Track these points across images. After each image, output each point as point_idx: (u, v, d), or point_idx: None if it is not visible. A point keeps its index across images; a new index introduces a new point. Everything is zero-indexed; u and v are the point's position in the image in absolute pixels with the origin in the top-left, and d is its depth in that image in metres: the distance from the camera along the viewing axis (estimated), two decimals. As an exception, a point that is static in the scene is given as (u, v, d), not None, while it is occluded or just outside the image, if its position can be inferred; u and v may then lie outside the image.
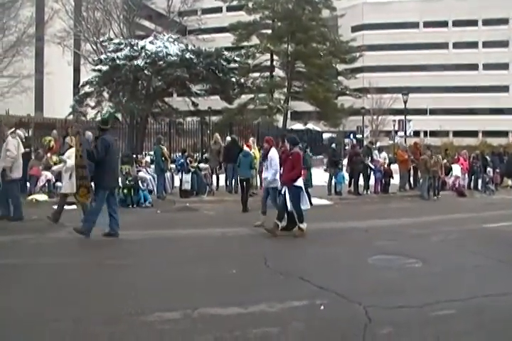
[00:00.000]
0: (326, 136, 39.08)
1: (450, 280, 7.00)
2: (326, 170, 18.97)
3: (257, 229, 11.03)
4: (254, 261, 7.91)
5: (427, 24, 77.35)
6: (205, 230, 10.94)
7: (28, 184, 15.70)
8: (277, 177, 11.07)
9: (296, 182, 10.40)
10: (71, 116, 27.28)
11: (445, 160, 22.09)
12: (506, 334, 5.05)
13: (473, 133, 66.94)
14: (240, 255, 8.58)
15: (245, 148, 16.10)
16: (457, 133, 67.69)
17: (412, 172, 21.10)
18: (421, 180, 19.84)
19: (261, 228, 10.88)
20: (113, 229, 9.81)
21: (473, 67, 75.19)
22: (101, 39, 32.40)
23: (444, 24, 76.96)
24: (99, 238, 9.67)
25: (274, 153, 11.34)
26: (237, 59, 27.88)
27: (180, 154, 18.48)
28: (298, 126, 41.05)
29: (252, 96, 38.58)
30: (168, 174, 16.96)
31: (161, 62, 24.19)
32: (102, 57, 26.49)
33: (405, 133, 34.62)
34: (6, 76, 29.12)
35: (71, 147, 12.07)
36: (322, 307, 5.66)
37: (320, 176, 19.23)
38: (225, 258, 8.26)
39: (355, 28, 72.98)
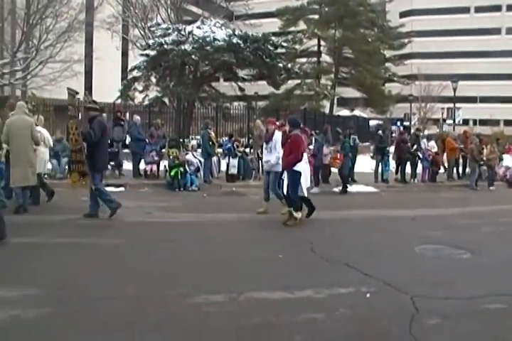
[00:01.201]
0: (372, 122, 38.69)
1: (500, 273, 6.84)
2: (372, 158, 18.76)
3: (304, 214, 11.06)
4: (300, 247, 7.92)
5: (478, 9, 75.34)
6: (250, 215, 10.97)
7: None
8: (280, 161, 10.60)
9: (295, 167, 9.84)
10: (119, 100, 27.63)
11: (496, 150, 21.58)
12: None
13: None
14: (285, 240, 8.59)
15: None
16: (508, 122, 66.06)
17: (461, 161, 20.72)
18: (469, 170, 19.48)
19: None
20: (94, 209, 9.98)
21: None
22: (149, 24, 32.62)
23: (497, 8, 74.76)
24: (144, 220, 9.84)
25: (278, 136, 10.78)
26: (284, 44, 27.72)
27: (227, 138, 18.52)
28: (344, 112, 40.80)
29: (298, 81, 38.45)
30: (215, 158, 17.02)
31: (208, 47, 24.20)
32: (150, 42, 26.69)
33: (454, 121, 33.95)
34: (58, 61, 29.69)
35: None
36: (368, 295, 5.62)
37: (366, 163, 19.06)
38: (270, 242, 8.29)
39: (403, 14, 71.67)
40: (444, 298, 5.59)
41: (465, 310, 5.28)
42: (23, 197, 10.22)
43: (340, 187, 15.66)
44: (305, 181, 10.17)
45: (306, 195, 10.21)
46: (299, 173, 9.85)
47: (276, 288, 5.75)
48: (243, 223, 10.13)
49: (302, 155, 9.96)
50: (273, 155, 10.74)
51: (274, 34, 30.61)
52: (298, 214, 9.85)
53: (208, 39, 24.44)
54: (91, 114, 10.04)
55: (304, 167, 10.05)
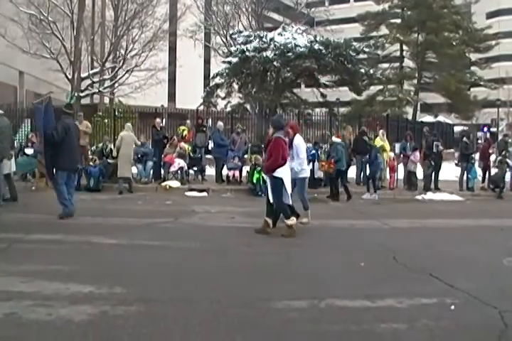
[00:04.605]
0: (457, 129, 37.71)
1: None
2: (457, 165, 18.27)
3: (387, 221, 10.94)
4: (382, 255, 7.82)
5: None
6: (333, 221, 10.96)
7: (162, 170, 16.64)
8: (305, 166, 10.23)
9: (275, 173, 9.17)
10: (202, 107, 28.21)
11: None
12: None
13: None
14: (367, 247, 8.47)
15: (336, 139, 15.76)
16: None
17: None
18: None
19: (389, 220, 10.77)
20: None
21: None
22: (230, 32, 33.09)
23: None
24: (226, 224, 10.00)
25: (299, 141, 10.17)
26: (366, 49, 27.42)
27: (311, 145, 18.49)
28: (428, 118, 39.97)
29: (381, 87, 38.02)
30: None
31: (289, 54, 24.30)
32: (232, 49, 27.10)
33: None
34: (143, 69, 30.67)
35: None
36: (453, 307, 5.44)
37: (451, 171, 18.60)
38: (352, 250, 8.23)
39: (490, 14, 69.21)
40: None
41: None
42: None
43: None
44: (289, 187, 9.42)
45: (290, 202, 9.53)
46: (281, 179, 9.17)
47: (358, 296, 5.70)
48: (326, 230, 10.12)
49: (283, 160, 9.24)
50: (296, 162, 10.06)
51: (356, 39, 30.36)
52: (291, 221, 9.22)
53: (289, 45, 24.54)
54: (63, 117, 10.59)
55: (286, 172, 9.33)
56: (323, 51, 24.71)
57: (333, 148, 14.90)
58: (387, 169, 17.30)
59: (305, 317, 5.03)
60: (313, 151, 17.03)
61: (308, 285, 6.15)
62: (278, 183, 9.19)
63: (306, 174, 10.47)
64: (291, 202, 9.57)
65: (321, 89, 28.48)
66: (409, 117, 38.81)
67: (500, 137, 23.17)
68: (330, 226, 10.47)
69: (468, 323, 5.05)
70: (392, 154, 17.68)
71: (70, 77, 27.48)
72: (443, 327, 4.93)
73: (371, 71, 27.68)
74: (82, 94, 27.95)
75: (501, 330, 4.81)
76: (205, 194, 15.11)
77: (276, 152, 9.19)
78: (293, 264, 7.20)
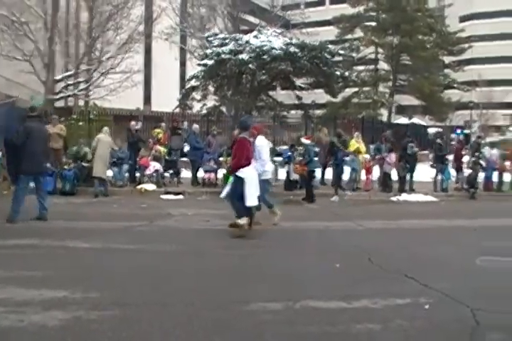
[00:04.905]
0: (431, 130, 38.07)
1: None
2: (432, 166, 18.48)
3: (362, 223, 10.99)
4: (357, 256, 7.86)
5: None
6: (308, 223, 10.98)
7: (137, 173, 16.56)
8: (267, 168, 10.19)
9: (239, 172, 9.23)
10: (177, 109, 28.10)
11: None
12: None
13: None
14: (342, 249, 8.50)
15: (305, 140, 15.78)
16: None
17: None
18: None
19: (364, 222, 10.83)
20: (41, 213, 10.28)
21: None
22: (206, 34, 33.04)
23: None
24: (201, 227, 9.98)
25: (261, 142, 10.10)
26: (341, 52, 27.56)
27: (287, 147, 18.57)
28: (403, 120, 40.32)
29: (356, 89, 38.26)
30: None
31: (265, 56, 24.29)
32: (208, 51, 26.99)
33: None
34: (118, 72, 30.43)
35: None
36: (427, 307, 5.51)
37: (426, 172, 18.80)
38: (327, 251, 8.27)
39: (463, 18, 70.25)
40: (507, 311, 5.42)
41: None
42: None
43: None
44: (255, 188, 9.38)
45: (256, 203, 9.51)
46: (242, 179, 9.18)
47: (333, 298, 5.73)
48: (301, 232, 10.13)
49: (247, 160, 9.28)
50: (258, 163, 9.92)
51: (331, 42, 30.50)
52: (242, 221, 9.16)
53: (265, 48, 24.54)
54: (27, 120, 10.47)
55: (251, 173, 9.35)
56: (299, 54, 24.75)
57: (304, 149, 14.95)
58: (363, 171, 17.42)
59: (280, 319, 5.04)
60: (289, 153, 17.09)
61: (284, 287, 6.15)
62: (238, 183, 9.22)
63: (268, 176, 10.39)
64: (257, 203, 9.55)
65: (297, 92, 28.51)
66: (384, 119, 39.14)
67: (473, 139, 23.44)
68: (305, 228, 10.49)
69: (442, 322, 5.11)
70: (367, 156, 17.80)
71: (44, 79, 27.16)
72: (417, 326, 4.98)
73: (346, 73, 27.76)
74: (56, 97, 27.64)
75: (473, 328, 4.91)
76: (180, 197, 15.06)
77: (240, 152, 9.31)
78: (268, 266, 7.20)
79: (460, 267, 7.46)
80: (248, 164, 9.27)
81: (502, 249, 8.66)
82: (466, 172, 18.42)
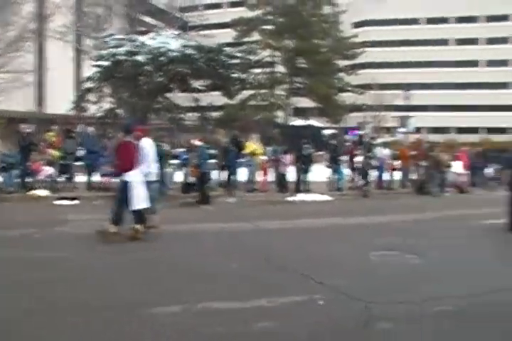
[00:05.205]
0: (327, 132, 39.05)
1: (450, 276, 7.01)
2: (327, 166, 18.96)
3: (258, 223, 11.09)
4: (255, 256, 7.94)
5: (429, 20, 77.14)
6: (203, 225, 10.95)
7: (29, 179, 15.84)
8: (152, 170, 9.99)
9: (123, 176, 9.09)
10: (72, 112, 27.28)
11: (446, 157, 22.03)
12: (505, 329, 5.06)
13: (475, 130, 66.68)
14: (239, 250, 8.53)
15: (197, 142, 15.77)
16: (459, 130, 67.57)
17: (414, 168, 21.08)
18: (423, 177, 19.85)
19: (261, 222, 10.94)
20: None
21: (474, 63, 74.99)
22: (102, 35, 32.34)
23: (445, 20, 76.78)
24: (92, 232, 9.71)
25: (146, 144, 9.85)
26: (239, 55, 27.80)
27: (183, 150, 18.38)
28: (299, 121, 41.10)
29: (253, 92, 38.58)
30: (169, 170, 16.87)
31: (162, 58, 24.14)
32: (103, 52, 26.44)
33: (407, 129, 34.63)
34: (7, 71, 29.09)
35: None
36: (322, 303, 5.67)
37: (322, 172, 19.25)
38: (224, 253, 8.27)
39: (357, 24, 72.70)
40: (398, 302, 5.70)
41: (417, 314, 5.39)
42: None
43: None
44: (142, 191, 9.22)
45: (143, 207, 9.26)
46: (126, 183, 9.05)
47: (230, 298, 5.77)
48: (199, 234, 10.06)
49: (131, 164, 9.13)
50: (143, 165, 9.63)
51: (229, 45, 30.71)
52: (112, 228, 9.02)
53: (162, 50, 24.37)
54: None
55: (137, 176, 9.19)
56: (196, 56, 24.78)
57: (197, 151, 14.90)
58: (260, 172, 17.60)
59: (178, 322, 5.00)
60: (185, 156, 16.95)
61: (180, 289, 6.12)
62: (122, 186, 9.11)
63: (153, 178, 10.13)
64: (145, 206, 9.33)
65: (194, 94, 28.48)
66: (281, 121, 39.78)
67: (366, 140, 24.27)
68: (200, 230, 10.41)
69: (337, 317, 5.29)
70: (264, 157, 18.00)
71: None
72: (312, 323, 5.09)
73: (243, 76, 28.11)
74: None
75: (366, 320, 5.13)
76: (76, 202, 14.59)
77: (123, 156, 9.20)
78: (164, 269, 7.11)
79: (354, 264, 7.72)
80: (131, 167, 9.11)
81: (392, 244, 9.07)
82: (360, 171, 19.01)
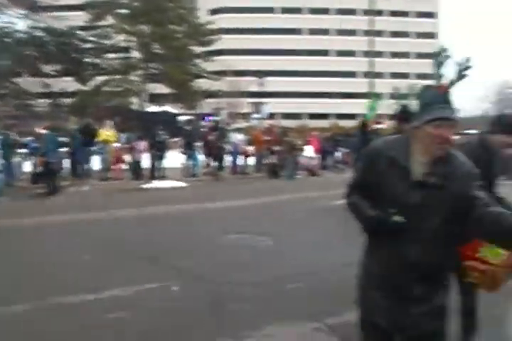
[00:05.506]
0: (182, 118, 39.03)
1: (297, 255, 7.39)
2: (182, 153, 19.03)
3: (112, 212, 10.98)
4: (108, 246, 7.84)
5: (283, 10, 79.38)
6: (54, 217, 10.59)
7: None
8: None
9: None
10: None
11: (299, 141, 22.92)
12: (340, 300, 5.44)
13: (325, 116, 69.70)
14: (93, 241, 8.32)
15: (42, 130, 15.28)
16: (311, 116, 70.39)
17: (266, 153, 21.74)
18: (276, 161, 20.54)
19: (114, 211, 10.85)
20: None
21: (325, 52, 78.62)
22: None
23: (298, 11, 79.47)
24: None
25: None
26: (92, 39, 27.04)
27: (32, 138, 17.55)
28: (154, 108, 40.72)
29: (107, 77, 37.64)
30: (17, 159, 16.13)
31: (7, 39, 22.89)
32: None
33: (261, 115, 35.50)
34: None
35: None
36: (175, 288, 5.79)
37: (177, 158, 19.31)
38: (76, 244, 8.06)
39: (213, 11, 73.13)
40: (249, 282, 5.96)
41: (267, 292, 5.68)
42: None
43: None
44: None
45: None
46: None
47: (82, 291, 5.66)
48: (48, 226, 9.73)
49: None
50: None
51: (82, 28, 29.72)
52: None
53: (6, 30, 23.11)
54: None
55: None
56: (46, 38, 23.78)
57: (43, 140, 14.36)
58: (114, 159, 17.33)
59: (28, 320, 4.86)
60: (34, 145, 16.23)
61: (31, 286, 5.90)
62: None
63: None
64: None
65: (45, 79, 27.33)
66: (137, 107, 39.18)
67: (221, 125, 24.60)
68: (49, 223, 9.98)
69: (188, 300, 5.44)
70: (118, 145, 17.75)
71: None
72: (165, 308, 5.20)
73: (97, 61, 27.41)
74: None
75: (218, 302, 5.36)
76: None
77: None
78: (6, 265, 6.76)
79: (207, 248, 7.89)
80: None
81: (245, 227, 9.39)
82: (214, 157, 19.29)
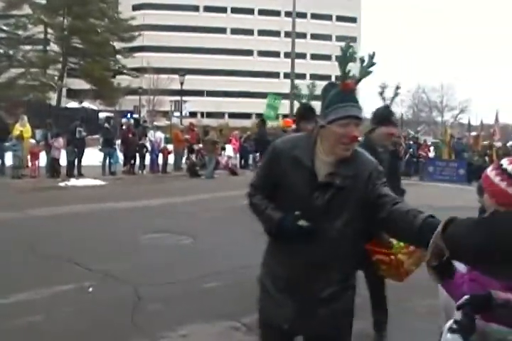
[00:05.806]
0: (102, 115, 38.20)
1: (217, 254, 7.41)
2: (100, 150, 18.59)
3: (27, 211, 10.55)
4: (20, 247, 7.50)
5: (206, 8, 79.23)
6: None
7: None
8: None
9: None
10: None
11: (220, 140, 22.90)
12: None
13: (248, 115, 69.99)
14: (4, 241, 7.89)
15: None
16: (232, 115, 70.52)
17: (186, 152, 21.63)
18: (196, 160, 20.45)
19: (29, 210, 10.45)
20: None
21: (249, 53, 79.14)
22: None
23: (223, 10, 79.55)
24: None
25: None
26: (5, 28, 25.93)
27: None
28: (73, 104, 39.72)
29: (22, 70, 36.35)
30: None
31: None
32: None
33: (181, 113, 35.31)
34: None
35: None
36: (91, 289, 5.65)
37: (95, 156, 18.87)
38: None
39: (135, 7, 72.00)
40: (166, 283, 5.91)
41: (184, 292, 5.66)
42: None
43: None
44: None
45: None
46: None
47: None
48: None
49: None
50: None
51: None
52: None
53: None
54: None
55: None
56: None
57: None
58: (28, 156, 16.70)
59: None
60: None
61: None
62: None
63: None
64: None
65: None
66: (54, 103, 38.02)
67: (141, 123, 24.27)
68: None
69: (106, 302, 5.32)
70: (33, 141, 17.14)
71: None
72: (81, 310, 5.07)
73: (11, 52, 26.33)
74: None
75: (135, 302, 5.28)
76: None
77: None
78: None
79: (124, 247, 7.76)
80: None
81: (164, 227, 9.32)
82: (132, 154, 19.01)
